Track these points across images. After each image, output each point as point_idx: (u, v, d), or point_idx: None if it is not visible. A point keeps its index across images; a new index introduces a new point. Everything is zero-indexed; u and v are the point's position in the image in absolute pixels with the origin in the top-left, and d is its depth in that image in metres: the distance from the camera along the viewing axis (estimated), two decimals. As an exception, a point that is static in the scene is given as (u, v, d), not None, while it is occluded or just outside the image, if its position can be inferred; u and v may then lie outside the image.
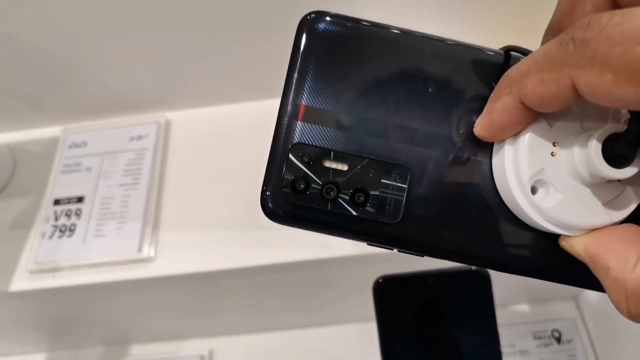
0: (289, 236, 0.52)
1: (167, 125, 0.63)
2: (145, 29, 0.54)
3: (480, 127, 0.23)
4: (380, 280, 0.47)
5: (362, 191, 0.23)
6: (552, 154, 0.22)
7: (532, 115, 0.21)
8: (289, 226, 0.23)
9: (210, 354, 0.69)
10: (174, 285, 0.55)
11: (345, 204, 0.23)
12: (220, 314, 0.66)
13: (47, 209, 0.57)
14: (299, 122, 0.23)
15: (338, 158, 0.23)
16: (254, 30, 0.54)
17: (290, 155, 0.23)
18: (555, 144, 0.22)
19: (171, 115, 0.64)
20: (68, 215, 0.56)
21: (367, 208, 0.23)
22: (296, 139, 0.23)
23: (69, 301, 0.58)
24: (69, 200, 0.57)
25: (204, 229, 0.54)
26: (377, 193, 0.23)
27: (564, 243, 0.22)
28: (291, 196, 0.23)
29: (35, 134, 0.66)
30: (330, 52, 0.23)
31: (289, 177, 0.23)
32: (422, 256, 0.24)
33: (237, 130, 0.61)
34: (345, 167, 0.23)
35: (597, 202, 0.22)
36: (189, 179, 0.58)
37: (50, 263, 0.53)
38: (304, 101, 0.23)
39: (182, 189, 0.57)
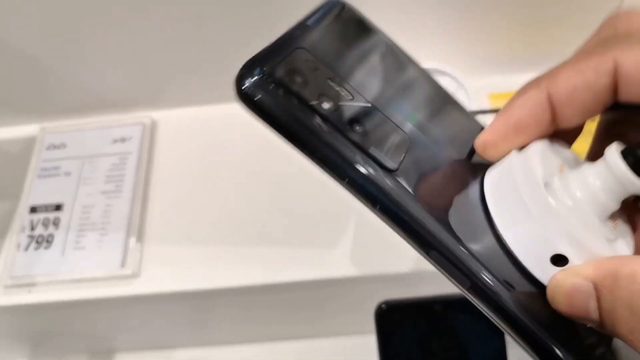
0: (283, 253, 0.48)
1: (153, 126, 0.58)
2: (130, 25, 0.49)
3: (489, 131, 0.21)
4: (383, 305, 0.44)
5: (360, 123, 0.19)
6: (560, 169, 0.20)
7: (549, 124, 0.20)
8: (259, 116, 0.19)
9: (200, 364, 0.66)
10: (160, 302, 0.52)
11: (339, 124, 0.19)
12: (210, 326, 0.62)
13: (22, 217, 0.53)
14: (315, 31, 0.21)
15: (344, 87, 0.20)
16: (245, 28, 0.50)
17: (298, 52, 0.20)
18: (562, 167, 0.20)
19: (157, 115, 0.59)
20: (45, 224, 0.52)
21: (366, 137, 0.19)
22: (308, 45, 0.20)
23: (48, 315, 0.55)
24: (46, 208, 0.53)
25: (192, 242, 0.50)
26: (379, 131, 0.20)
27: (561, 275, 0.19)
28: (281, 84, 0.19)
29: (9, 133, 0.61)
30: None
31: (287, 67, 0.19)
32: (402, 231, 0.19)
33: (229, 132, 0.57)
34: (349, 97, 0.20)
35: (602, 231, 0.19)
36: (176, 186, 0.54)
37: (26, 277, 0.49)
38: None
39: (168, 198, 0.53)
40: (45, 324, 0.56)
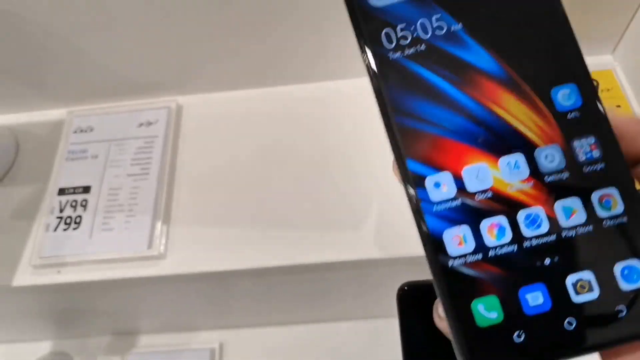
0: (306, 235, 0.48)
1: (179, 110, 0.59)
2: (157, 11, 0.49)
3: None
4: (405, 287, 0.44)
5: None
6: None
7: None
8: None
9: (221, 346, 0.67)
10: (185, 282, 0.52)
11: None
12: (232, 308, 0.63)
13: (51, 199, 0.54)
14: None
15: None
16: (269, 17, 0.50)
17: None
18: None
19: (182, 99, 0.60)
20: (73, 206, 0.53)
21: None
22: None
23: (74, 295, 0.56)
24: (74, 190, 0.54)
25: (217, 225, 0.51)
26: None
27: None
28: None
29: (38, 117, 0.62)
30: None
31: None
32: None
33: (253, 117, 0.58)
34: None
35: None
36: (201, 170, 0.54)
37: (55, 258, 0.50)
38: None
39: (193, 181, 0.54)
40: (71, 303, 0.58)
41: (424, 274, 0.46)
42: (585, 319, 0.22)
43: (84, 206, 0.53)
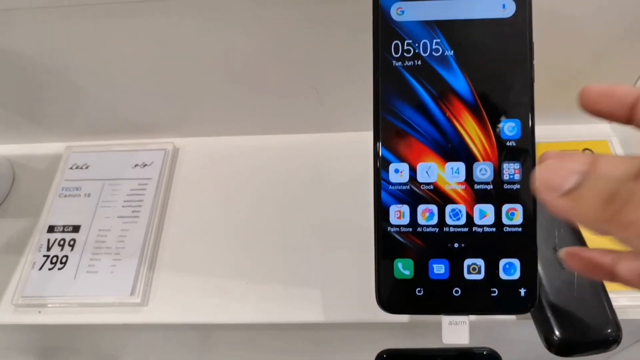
0: (291, 292, 0.48)
1: (174, 153, 0.59)
2: (159, 56, 0.50)
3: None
4: (384, 355, 0.43)
5: None
6: None
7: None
8: None
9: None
10: (166, 331, 0.52)
11: None
12: (212, 355, 0.62)
13: (40, 236, 0.54)
14: None
15: None
16: (266, 72, 0.50)
17: None
18: None
19: (180, 142, 0.60)
20: (61, 245, 0.53)
21: None
22: None
23: (56, 334, 0.55)
24: (63, 229, 0.54)
25: (203, 275, 0.50)
26: None
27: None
28: None
29: (37, 149, 0.63)
30: None
31: None
32: None
33: (250, 165, 0.58)
34: None
35: None
36: (192, 216, 0.54)
37: (38, 298, 0.50)
38: None
39: (183, 227, 0.54)
40: (52, 341, 0.57)
41: (405, 341, 0.45)
42: (468, 291, 0.31)
43: (72, 246, 0.52)
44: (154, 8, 0.44)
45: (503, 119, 0.31)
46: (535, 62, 0.31)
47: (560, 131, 0.55)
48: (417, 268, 0.31)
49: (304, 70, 0.50)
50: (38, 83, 0.54)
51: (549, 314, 0.42)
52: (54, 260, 0.52)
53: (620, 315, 0.39)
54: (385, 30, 0.32)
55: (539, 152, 0.54)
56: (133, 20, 0.45)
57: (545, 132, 0.54)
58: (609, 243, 0.21)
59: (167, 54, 0.49)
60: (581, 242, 0.46)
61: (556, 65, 0.48)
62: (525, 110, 0.31)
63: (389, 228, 0.31)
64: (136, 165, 0.57)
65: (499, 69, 0.31)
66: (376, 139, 0.32)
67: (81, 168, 0.58)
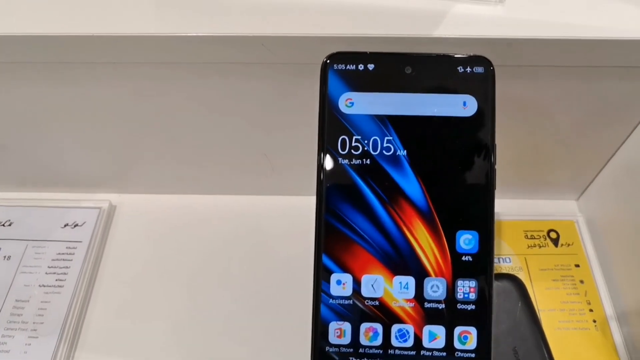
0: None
1: (110, 212, 0.54)
2: (97, 114, 0.45)
3: None
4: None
5: None
6: None
7: None
8: None
9: None
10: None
11: None
12: None
13: (-52, 304, 0.47)
14: None
15: None
16: (207, 131, 0.46)
17: None
18: None
19: (117, 199, 0.55)
20: (-29, 317, 0.47)
21: None
22: None
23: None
24: (-25, 297, 0.48)
25: (131, 357, 0.45)
26: None
27: None
28: None
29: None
30: None
31: None
32: None
33: (193, 224, 0.53)
34: None
35: None
36: (123, 289, 0.49)
37: (-64, 382, 0.44)
38: None
39: (112, 301, 0.48)
40: None
41: None
42: None
43: (-17, 319, 0.47)
44: (87, 71, 0.39)
45: (459, 230, 0.28)
46: (497, 146, 0.28)
47: (525, 207, 0.52)
48: None
49: (254, 136, 0.46)
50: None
51: None
52: (-39, 335, 0.46)
53: None
54: (332, 123, 0.28)
55: (501, 230, 0.51)
56: (64, 80, 0.40)
57: (509, 208, 0.52)
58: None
59: (104, 112, 0.44)
60: (543, 339, 0.42)
61: (522, 144, 0.45)
62: (484, 221, 0.28)
63: (327, 348, 0.28)
64: (66, 225, 0.52)
65: (456, 173, 0.28)
66: (317, 244, 0.28)
67: (3, 225, 0.52)
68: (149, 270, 0.50)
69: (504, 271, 0.48)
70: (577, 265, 0.48)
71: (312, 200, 0.28)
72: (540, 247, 0.49)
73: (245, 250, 0.51)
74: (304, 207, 0.50)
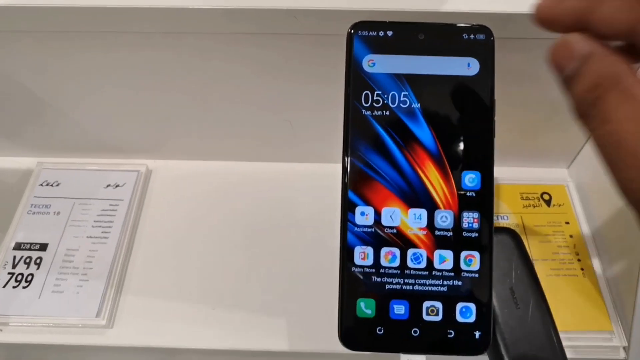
0: (261, 320, 0.49)
1: (147, 175, 0.60)
2: (135, 79, 0.51)
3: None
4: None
5: None
6: None
7: None
8: None
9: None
10: (130, 354, 0.52)
11: None
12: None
13: (6, 252, 0.53)
14: None
15: None
16: (240, 101, 0.52)
17: None
18: None
19: (153, 164, 0.61)
20: (27, 263, 0.52)
21: None
22: None
23: (17, 353, 0.55)
24: (30, 246, 0.54)
25: (169, 298, 0.51)
26: None
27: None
28: None
29: (7, 163, 0.62)
30: None
31: None
32: None
33: (223, 190, 0.59)
34: None
35: None
36: (162, 239, 0.55)
37: (0, 316, 0.49)
38: None
39: (152, 250, 0.54)
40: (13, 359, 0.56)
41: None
42: (426, 332, 0.31)
43: (38, 264, 0.52)
44: (133, 40, 0.45)
45: (464, 170, 0.33)
46: (496, 117, 0.33)
47: (521, 173, 0.58)
48: (378, 308, 0.32)
49: (280, 104, 0.52)
50: (12, 99, 0.54)
51: (503, 352, 0.44)
52: (19, 278, 0.52)
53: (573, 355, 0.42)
54: (356, 80, 0.33)
55: (499, 192, 0.57)
56: (112, 49, 0.46)
57: (507, 174, 0.57)
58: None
59: (144, 82, 0.50)
60: (536, 282, 0.48)
61: (518, 115, 0.51)
62: (485, 163, 0.33)
63: (353, 268, 0.33)
64: (108, 186, 0.58)
65: (462, 123, 0.33)
66: (344, 182, 0.33)
67: (52, 185, 0.58)
68: (182, 226, 0.56)
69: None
70: (567, 223, 0.53)
71: (330, 168, 0.33)
72: (534, 207, 0.54)
73: (270, 207, 0.57)
74: (325, 173, 0.56)
